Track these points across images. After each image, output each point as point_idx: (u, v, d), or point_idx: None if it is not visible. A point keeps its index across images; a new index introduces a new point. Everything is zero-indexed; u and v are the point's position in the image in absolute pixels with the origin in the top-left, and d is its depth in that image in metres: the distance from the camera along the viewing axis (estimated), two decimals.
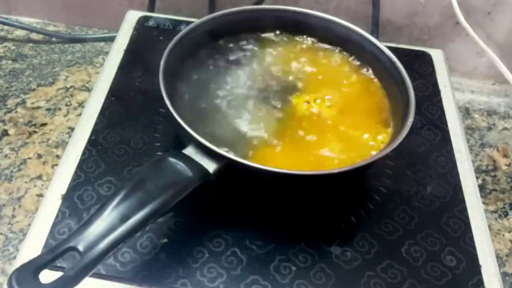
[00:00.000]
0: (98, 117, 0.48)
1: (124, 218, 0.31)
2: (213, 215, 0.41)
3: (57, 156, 0.52)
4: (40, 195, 0.48)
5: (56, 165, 0.50)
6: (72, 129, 0.54)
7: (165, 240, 0.39)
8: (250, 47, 0.49)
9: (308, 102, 0.45)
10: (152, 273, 0.38)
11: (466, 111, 0.63)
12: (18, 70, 0.61)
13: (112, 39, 0.61)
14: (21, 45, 0.65)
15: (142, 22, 0.58)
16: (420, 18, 0.63)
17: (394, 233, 0.42)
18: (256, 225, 0.41)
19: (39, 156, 0.52)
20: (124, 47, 0.55)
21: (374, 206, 0.43)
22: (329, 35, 0.49)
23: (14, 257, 0.43)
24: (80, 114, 0.53)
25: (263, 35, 0.50)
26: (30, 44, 0.65)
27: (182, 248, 0.39)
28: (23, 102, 0.57)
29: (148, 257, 0.38)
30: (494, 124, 0.61)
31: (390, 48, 0.46)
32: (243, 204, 0.42)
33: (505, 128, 0.61)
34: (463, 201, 0.44)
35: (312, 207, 0.43)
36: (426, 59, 0.57)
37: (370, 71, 0.48)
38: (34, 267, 0.29)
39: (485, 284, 0.39)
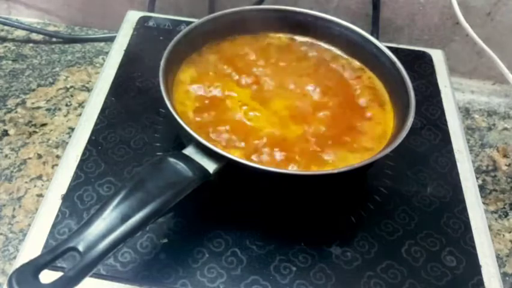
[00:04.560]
0: (98, 117, 0.48)
1: (124, 218, 0.31)
2: (213, 215, 0.41)
3: (58, 156, 0.52)
4: (40, 195, 0.48)
5: (56, 165, 0.50)
6: (72, 129, 0.54)
7: (165, 240, 0.39)
8: (250, 46, 0.49)
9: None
10: (153, 274, 0.38)
11: (466, 112, 0.63)
12: (18, 70, 0.61)
13: (112, 39, 0.61)
14: (21, 45, 0.65)
15: (142, 22, 0.58)
16: (420, 18, 0.63)
17: (394, 233, 0.42)
18: (256, 225, 0.41)
19: (40, 156, 0.52)
20: (124, 47, 0.55)
21: (374, 206, 0.43)
22: (329, 35, 0.49)
23: (14, 257, 0.43)
24: (80, 114, 0.53)
25: (263, 35, 0.50)
26: (30, 44, 0.65)
27: (183, 248, 0.39)
28: (23, 102, 0.57)
29: (148, 257, 0.38)
30: (494, 124, 0.61)
31: (390, 48, 0.46)
32: (242, 204, 0.42)
33: (505, 128, 0.61)
34: (463, 201, 0.44)
35: (312, 207, 0.43)
36: (427, 59, 0.57)
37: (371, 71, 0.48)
38: (34, 267, 0.29)
39: (485, 284, 0.39)
